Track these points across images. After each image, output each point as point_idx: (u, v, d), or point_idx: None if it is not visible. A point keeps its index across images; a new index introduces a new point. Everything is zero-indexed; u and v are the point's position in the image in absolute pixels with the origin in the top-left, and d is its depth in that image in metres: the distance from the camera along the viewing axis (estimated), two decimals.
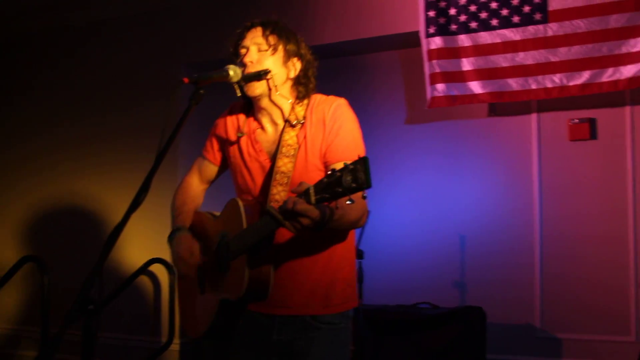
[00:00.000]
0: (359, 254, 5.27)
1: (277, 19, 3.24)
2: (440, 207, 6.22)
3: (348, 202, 2.39)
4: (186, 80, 2.84)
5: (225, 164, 3.47)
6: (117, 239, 2.47)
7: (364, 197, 2.40)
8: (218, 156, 3.48)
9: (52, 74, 7.74)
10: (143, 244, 6.78)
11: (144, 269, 6.62)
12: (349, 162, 2.42)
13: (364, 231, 5.34)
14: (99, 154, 7.32)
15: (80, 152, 7.43)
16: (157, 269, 6.75)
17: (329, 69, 6.55)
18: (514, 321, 5.86)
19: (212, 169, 3.52)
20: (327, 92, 3.24)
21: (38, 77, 7.84)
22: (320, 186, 2.48)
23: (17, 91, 7.96)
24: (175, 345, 6.54)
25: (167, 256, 4.66)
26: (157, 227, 6.30)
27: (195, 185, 3.56)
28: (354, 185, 2.36)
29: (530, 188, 5.89)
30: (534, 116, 5.91)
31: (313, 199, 2.49)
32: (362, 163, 2.35)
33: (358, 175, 2.34)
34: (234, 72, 3.05)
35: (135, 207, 2.55)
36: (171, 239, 3.32)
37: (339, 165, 2.47)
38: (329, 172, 2.45)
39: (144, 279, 6.90)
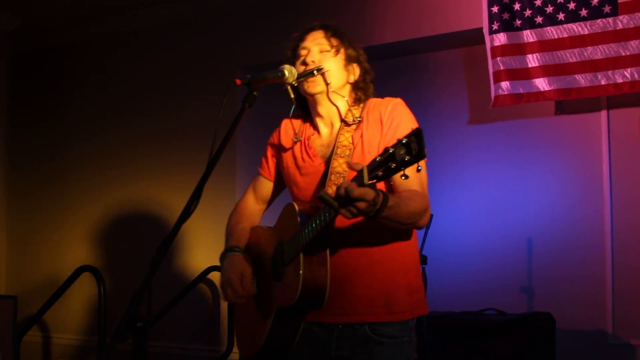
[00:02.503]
0: (422, 260, 5.13)
1: (336, 23, 3.19)
2: (506, 208, 6.04)
3: (402, 178, 2.25)
4: (238, 81, 2.74)
5: (280, 179, 3.37)
6: (165, 253, 2.37)
7: (418, 170, 2.25)
8: (272, 170, 3.40)
9: (110, 76, 7.75)
10: (205, 252, 6.75)
11: (202, 277, 6.59)
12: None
13: (426, 235, 5.19)
14: (157, 156, 7.30)
15: (137, 154, 7.43)
16: (216, 277, 6.65)
17: (390, 69, 6.51)
18: (585, 327, 5.64)
19: (266, 185, 3.44)
20: (388, 93, 3.17)
21: (95, 79, 7.85)
22: (373, 165, 2.33)
23: (74, 94, 7.96)
24: (235, 355, 6.44)
25: None
26: (216, 235, 6.23)
27: (251, 205, 3.47)
28: (407, 157, 2.21)
29: (600, 187, 5.67)
30: (603, 113, 5.69)
31: (367, 178, 2.34)
32: (416, 134, 2.22)
33: (412, 147, 2.21)
34: (289, 72, 2.97)
35: (186, 217, 2.44)
36: (223, 258, 3.21)
37: None
38: (382, 150, 2.30)
39: (203, 287, 6.85)
